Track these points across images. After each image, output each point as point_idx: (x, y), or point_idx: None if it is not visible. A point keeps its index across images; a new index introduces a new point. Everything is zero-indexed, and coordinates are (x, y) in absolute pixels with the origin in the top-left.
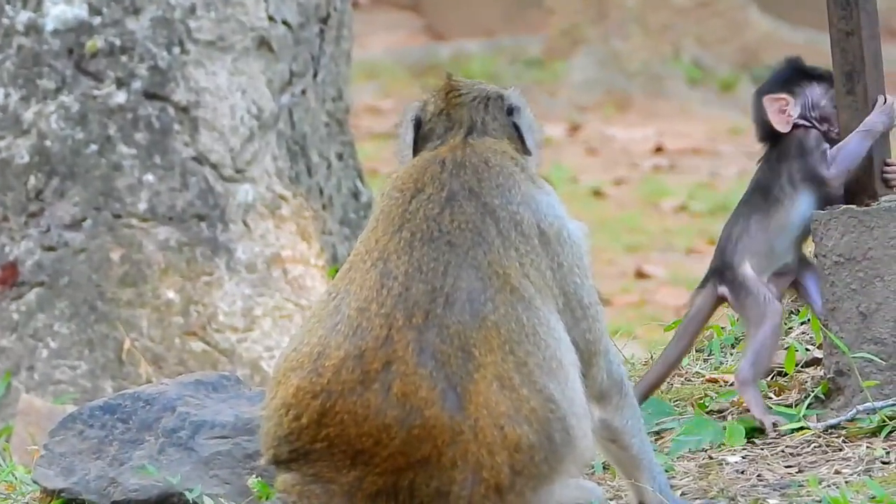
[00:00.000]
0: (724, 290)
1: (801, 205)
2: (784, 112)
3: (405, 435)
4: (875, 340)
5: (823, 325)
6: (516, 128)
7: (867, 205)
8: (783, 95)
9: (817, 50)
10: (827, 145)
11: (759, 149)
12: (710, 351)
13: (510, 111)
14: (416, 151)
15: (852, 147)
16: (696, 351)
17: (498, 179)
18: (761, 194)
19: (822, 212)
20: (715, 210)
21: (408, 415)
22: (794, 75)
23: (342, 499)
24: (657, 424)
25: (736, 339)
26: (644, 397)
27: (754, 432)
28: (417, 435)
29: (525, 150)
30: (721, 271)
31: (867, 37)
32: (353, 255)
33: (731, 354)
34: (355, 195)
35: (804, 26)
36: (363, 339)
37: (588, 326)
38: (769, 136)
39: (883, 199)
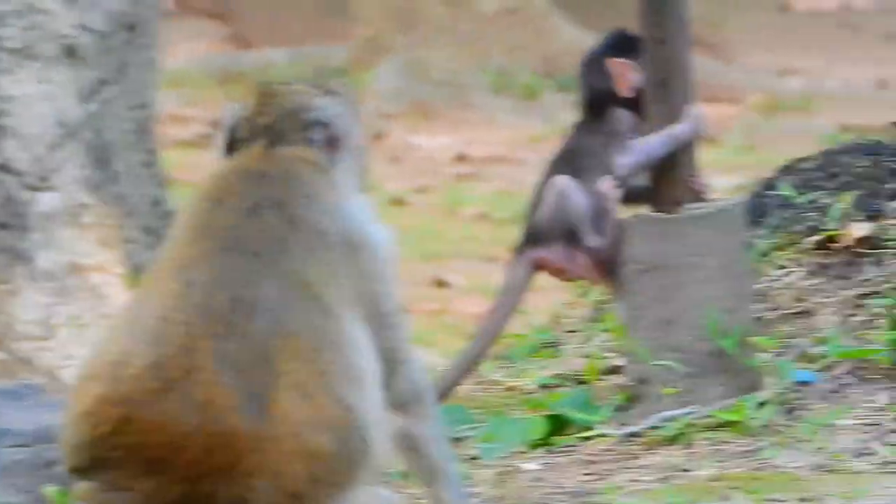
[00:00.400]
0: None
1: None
2: (626, 77)
3: (204, 443)
4: (676, 349)
5: (625, 332)
6: (319, 138)
7: (671, 213)
8: (626, 60)
9: None
10: (636, 135)
11: None
12: (511, 359)
13: (313, 123)
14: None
15: (651, 147)
16: (496, 358)
17: (301, 189)
18: (567, 162)
19: (626, 219)
20: (515, 218)
21: (207, 423)
22: (631, 42)
23: None
24: (457, 432)
25: (537, 346)
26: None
27: (555, 432)
28: (217, 443)
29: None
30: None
31: (679, 45)
32: (156, 265)
33: (531, 362)
34: (158, 203)
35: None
36: (164, 348)
37: (390, 335)
38: (595, 103)
39: (687, 206)
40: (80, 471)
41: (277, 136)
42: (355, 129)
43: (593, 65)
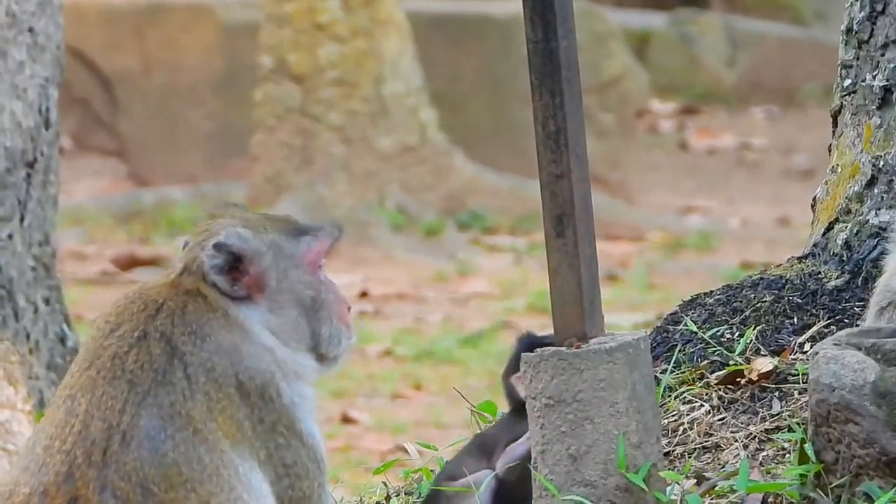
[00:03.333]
0: None
1: None
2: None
3: None
4: (585, 483)
5: (533, 468)
6: (219, 264)
7: (577, 347)
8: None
9: (520, 196)
10: None
11: (462, 293)
12: (420, 493)
13: (216, 247)
14: None
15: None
16: (406, 493)
17: (191, 326)
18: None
19: (532, 354)
20: (420, 355)
21: None
22: (526, 350)
23: None
24: None
25: None
26: None
27: None
28: None
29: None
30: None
31: (577, 180)
32: (55, 394)
33: None
34: (62, 340)
35: (508, 172)
36: (46, 476)
37: (290, 484)
38: (518, 405)
39: (592, 341)
40: None
41: (188, 268)
42: (285, 277)
43: (505, 383)
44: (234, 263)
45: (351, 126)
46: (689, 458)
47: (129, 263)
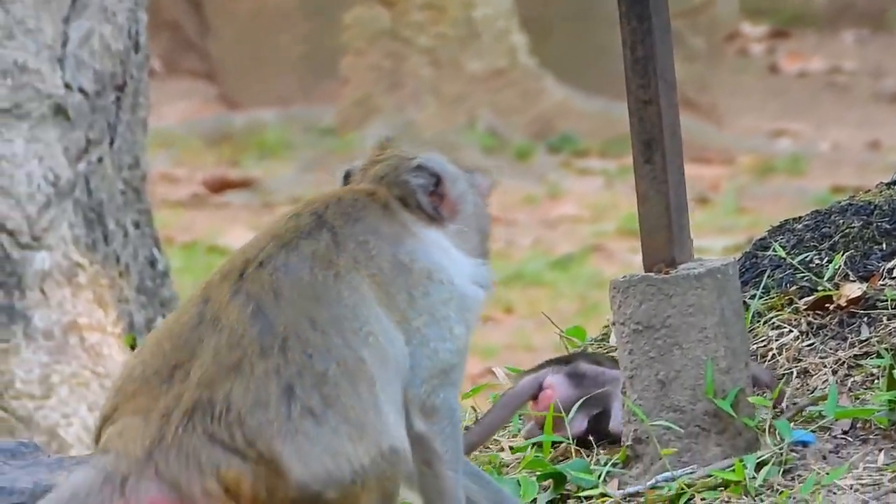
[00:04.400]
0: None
1: None
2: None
3: (217, 347)
4: (673, 408)
5: (623, 393)
6: (421, 183)
7: (665, 273)
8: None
9: (610, 119)
10: None
11: (552, 216)
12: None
13: (416, 167)
14: None
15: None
16: None
17: (349, 212)
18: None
19: (621, 279)
20: (510, 279)
21: (218, 331)
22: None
23: (158, 421)
24: None
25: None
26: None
27: (557, 487)
28: (227, 343)
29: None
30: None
31: (665, 106)
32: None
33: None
34: (152, 263)
35: (598, 95)
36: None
37: (428, 363)
38: None
39: (681, 266)
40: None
41: (389, 174)
42: (474, 205)
43: None
44: (434, 186)
45: (440, 49)
46: (778, 383)
47: (221, 186)
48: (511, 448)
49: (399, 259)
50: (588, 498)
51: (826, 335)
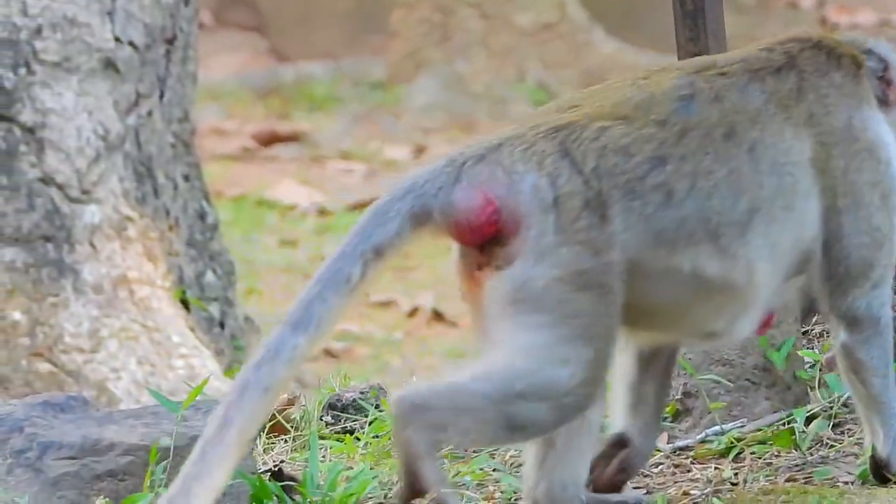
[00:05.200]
0: None
1: None
2: None
3: None
4: (722, 362)
5: None
6: (873, 66)
7: None
8: None
9: None
10: None
11: None
12: None
13: (868, 51)
14: None
15: None
16: None
17: (822, 65)
18: None
19: None
20: None
21: None
22: None
23: None
24: None
25: None
26: None
27: None
28: None
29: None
30: None
31: None
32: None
33: None
34: (202, 216)
35: (648, 49)
36: None
37: (862, 243)
38: None
39: None
40: None
41: (857, 48)
42: None
43: None
44: (882, 71)
45: (489, 2)
46: (827, 337)
47: (270, 139)
48: None
49: (852, 123)
50: None
51: None
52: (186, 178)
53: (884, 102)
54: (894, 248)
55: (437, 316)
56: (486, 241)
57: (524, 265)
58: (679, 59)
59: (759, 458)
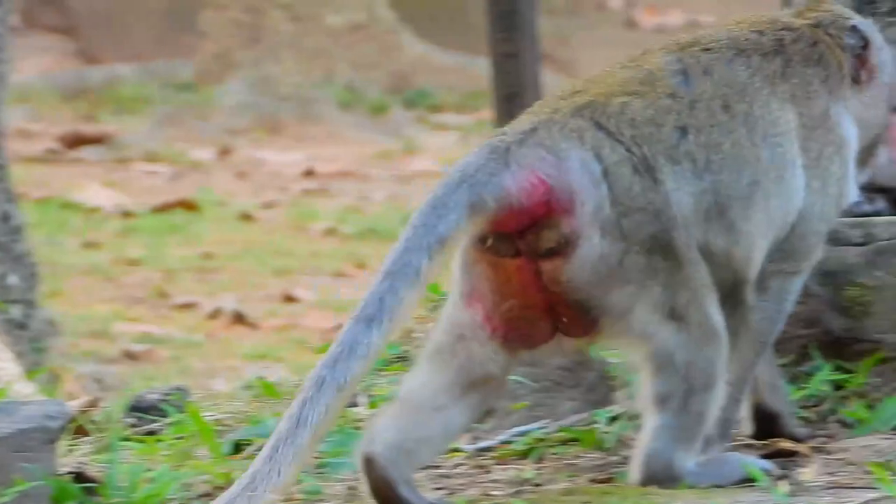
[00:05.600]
0: None
1: None
2: None
3: None
4: (527, 363)
5: None
6: (851, 43)
7: None
8: None
9: (467, 74)
10: None
11: (407, 171)
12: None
13: (849, 28)
14: None
15: None
16: None
17: (813, 56)
18: None
19: None
20: (363, 234)
21: None
22: None
23: None
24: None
25: (388, 360)
26: None
27: None
28: None
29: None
30: None
31: (528, 59)
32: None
33: (383, 377)
34: (6, 219)
35: (458, 50)
36: None
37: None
38: None
39: None
40: None
41: (825, 23)
42: (889, 76)
43: None
44: (861, 49)
45: (299, 4)
46: None
47: (75, 141)
48: (370, 404)
49: (829, 114)
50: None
51: None
52: None
53: (856, 81)
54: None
55: (239, 318)
56: (532, 224)
57: (590, 245)
58: (492, 60)
59: (562, 458)
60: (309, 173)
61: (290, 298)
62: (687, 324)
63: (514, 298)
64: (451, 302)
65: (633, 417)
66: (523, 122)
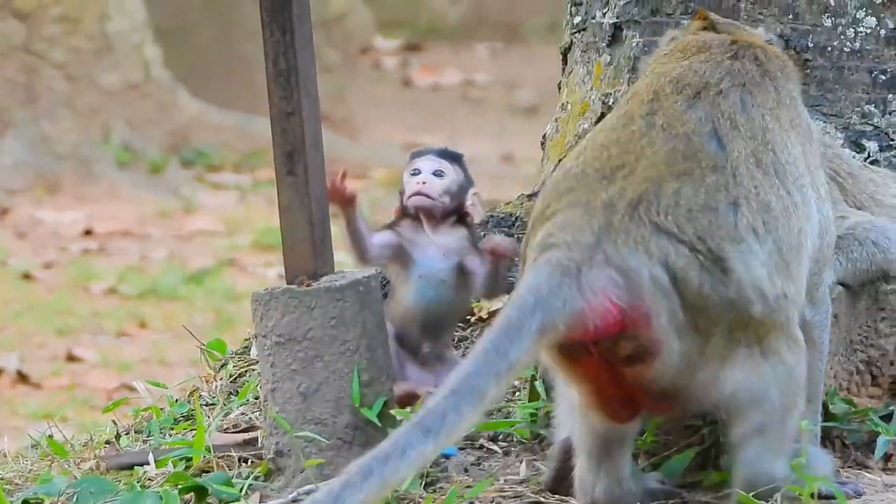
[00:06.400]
0: None
1: None
2: None
3: (669, 150)
4: (316, 421)
5: (264, 405)
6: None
7: (307, 285)
8: None
9: (246, 133)
10: None
11: (186, 230)
12: (149, 432)
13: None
14: None
15: None
16: (136, 432)
17: (782, 62)
18: None
19: (263, 292)
20: (144, 293)
21: (673, 138)
22: None
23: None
24: None
25: (175, 419)
26: None
27: (199, 500)
28: (682, 152)
29: None
30: None
31: (308, 117)
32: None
33: (170, 436)
34: None
35: (235, 109)
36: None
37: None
38: None
39: (323, 279)
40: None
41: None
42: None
43: None
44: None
45: (75, 63)
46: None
47: None
48: (156, 462)
49: (810, 123)
50: None
51: (469, 347)
52: None
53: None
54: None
55: (22, 377)
56: (608, 338)
57: (670, 350)
58: (272, 118)
59: None
60: (88, 233)
61: (72, 358)
62: (776, 356)
63: (591, 387)
64: None
65: (423, 476)
66: (577, 222)
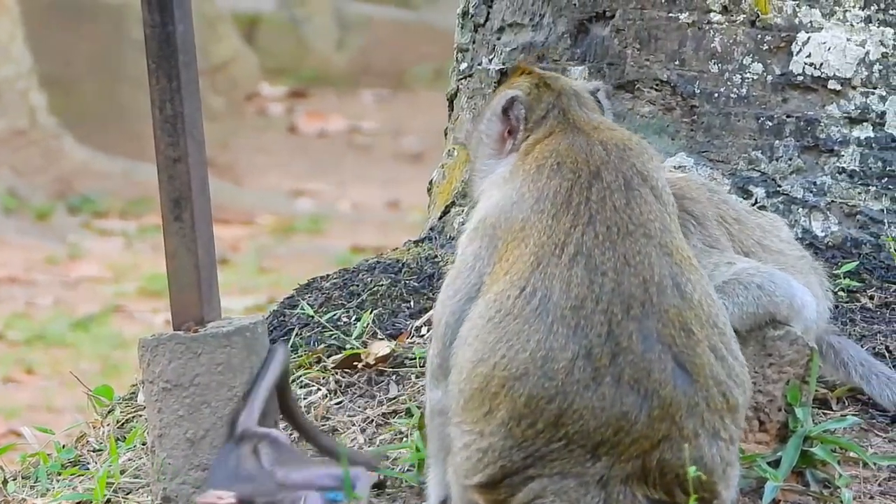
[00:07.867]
0: None
1: None
2: None
3: (645, 418)
4: (202, 467)
5: (151, 451)
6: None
7: (194, 331)
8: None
9: (131, 180)
10: None
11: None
12: (37, 477)
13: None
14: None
15: None
16: (23, 478)
17: (652, 161)
18: None
19: (150, 338)
20: (31, 339)
21: (644, 399)
22: None
23: (597, 488)
24: None
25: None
26: None
27: None
28: (657, 416)
29: None
30: None
31: (194, 163)
32: (540, 248)
33: (58, 481)
34: None
35: (121, 155)
36: (587, 338)
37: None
38: None
39: (210, 325)
40: (511, 473)
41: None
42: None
43: None
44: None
45: None
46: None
47: None
48: None
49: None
50: None
51: (355, 393)
52: None
53: None
54: None
55: None
56: None
57: None
58: (159, 164)
59: None
60: None
61: None
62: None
63: None
64: None
65: None
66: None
